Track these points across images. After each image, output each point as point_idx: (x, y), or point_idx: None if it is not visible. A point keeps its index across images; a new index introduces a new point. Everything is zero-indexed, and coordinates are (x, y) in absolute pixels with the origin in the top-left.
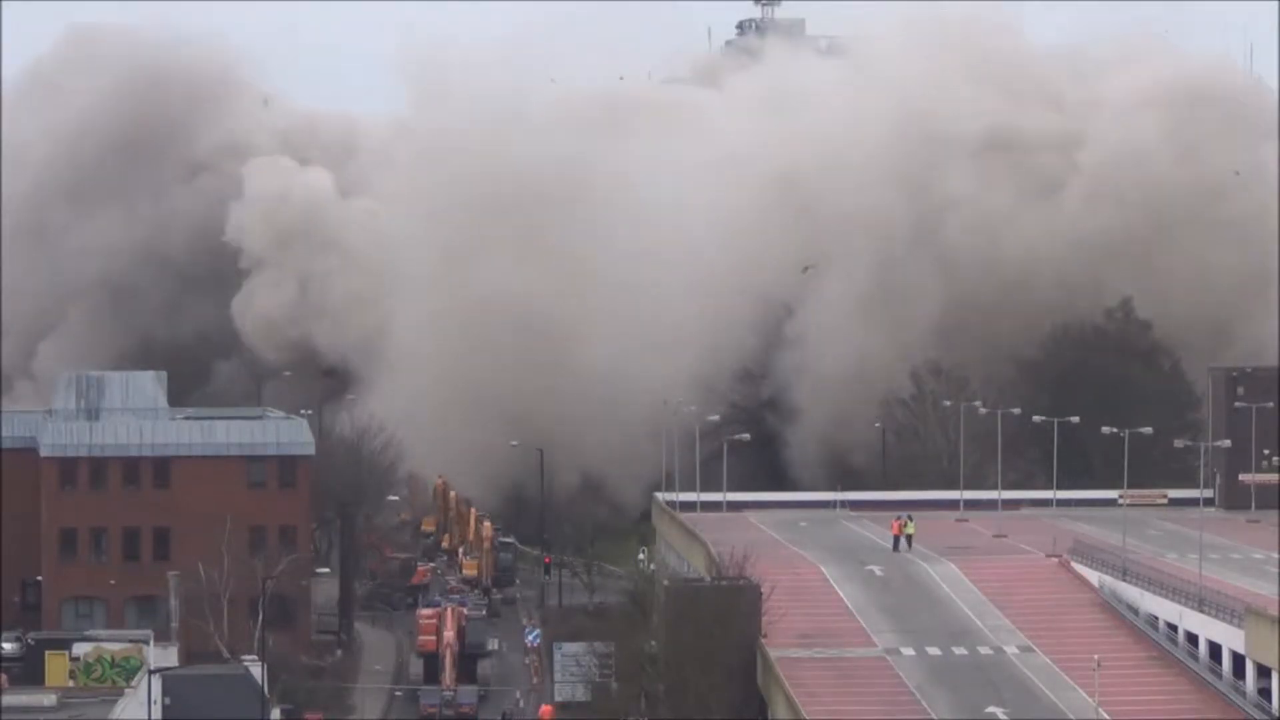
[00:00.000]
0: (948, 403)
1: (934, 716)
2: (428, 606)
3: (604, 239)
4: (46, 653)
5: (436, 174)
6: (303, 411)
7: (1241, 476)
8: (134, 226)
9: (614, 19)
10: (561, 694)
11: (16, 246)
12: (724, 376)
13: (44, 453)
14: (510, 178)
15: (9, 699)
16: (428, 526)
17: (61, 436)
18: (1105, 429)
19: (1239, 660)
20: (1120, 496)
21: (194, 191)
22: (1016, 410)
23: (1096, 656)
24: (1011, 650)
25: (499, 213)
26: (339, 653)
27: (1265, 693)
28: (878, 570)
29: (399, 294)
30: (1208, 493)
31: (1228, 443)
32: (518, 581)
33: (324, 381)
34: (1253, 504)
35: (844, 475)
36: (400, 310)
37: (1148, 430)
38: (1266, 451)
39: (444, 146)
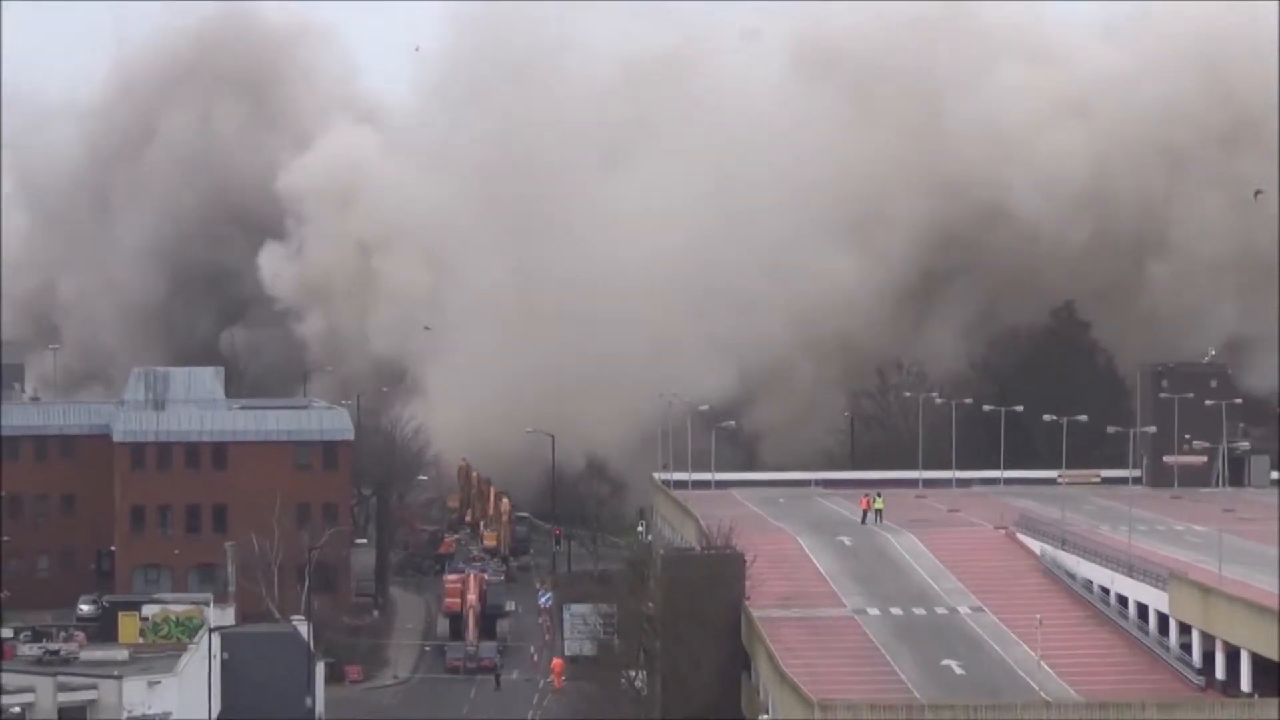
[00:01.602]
0: (908, 394)
1: (896, 668)
2: (453, 573)
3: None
4: (119, 614)
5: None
6: (343, 402)
7: (1165, 458)
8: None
9: None
10: (570, 649)
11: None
12: (717, 372)
13: (116, 439)
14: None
15: (87, 654)
16: (452, 503)
17: (132, 424)
18: (1046, 417)
19: (1164, 619)
20: (1059, 476)
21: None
22: (969, 400)
23: (1039, 616)
24: (964, 610)
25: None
26: (375, 613)
27: (1187, 648)
28: (847, 541)
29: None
30: (1136, 473)
31: (1153, 429)
32: (531, 551)
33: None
34: (1175, 482)
35: (818, 458)
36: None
37: (1083, 418)
38: (1188, 436)
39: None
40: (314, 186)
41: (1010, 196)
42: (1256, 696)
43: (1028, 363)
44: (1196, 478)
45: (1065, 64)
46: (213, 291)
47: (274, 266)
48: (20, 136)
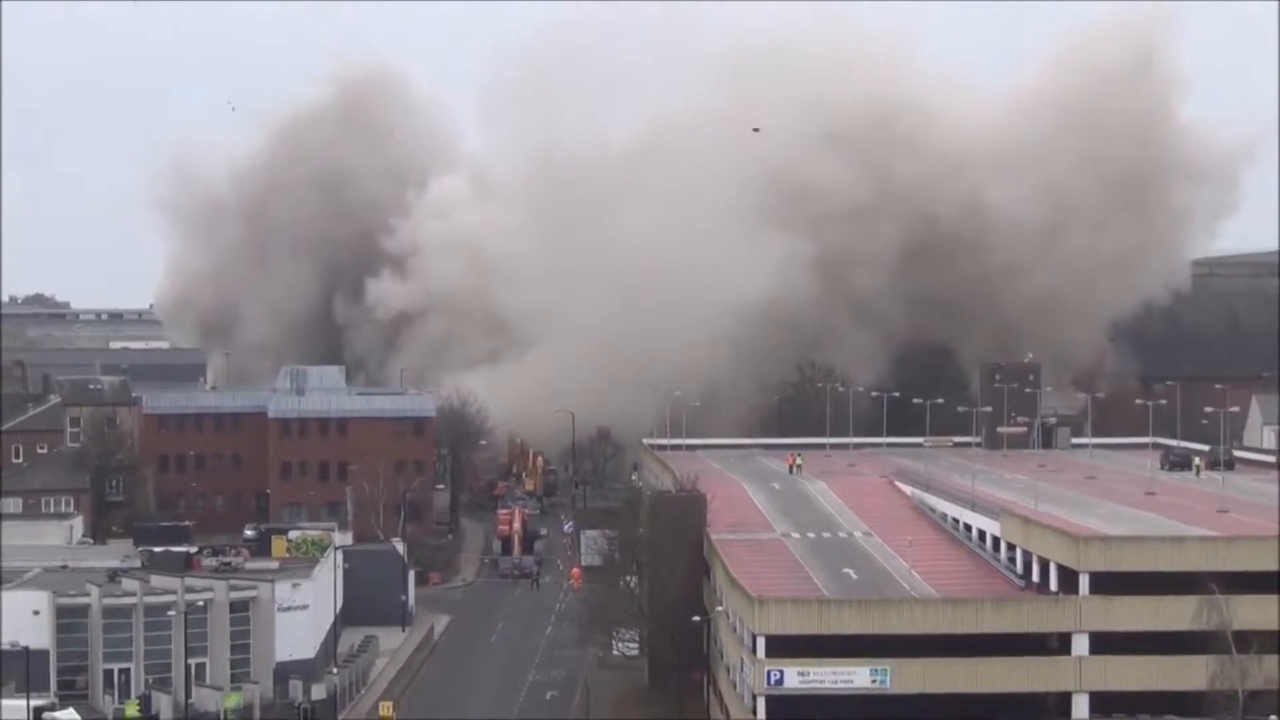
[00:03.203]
0: (820, 385)
1: (810, 574)
2: (503, 508)
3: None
4: (272, 536)
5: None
6: (428, 389)
7: (998, 429)
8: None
9: None
10: (585, 561)
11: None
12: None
13: (270, 415)
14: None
15: (250, 564)
16: (503, 460)
17: (281, 405)
18: (915, 400)
19: (996, 541)
20: (924, 441)
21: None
22: (860, 389)
23: (909, 539)
24: (857, 534)
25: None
26: (449, 537)
27: (1013, 561)
28: (777, 486)
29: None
30: (977, 439)
31: (989, 409)
32: (558, 493)
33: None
34: (1004, 445)
35: (758, 428)
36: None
37: (940, 401)
38: (1013, 414)
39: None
40: (420, 229)
41: (921, 238)
42: (1060, 594)
43: (910, 362)
44: (1019, 442)
45: (969, 124)
46: (344, 302)
47: (379, 290)
48: (190, 181)
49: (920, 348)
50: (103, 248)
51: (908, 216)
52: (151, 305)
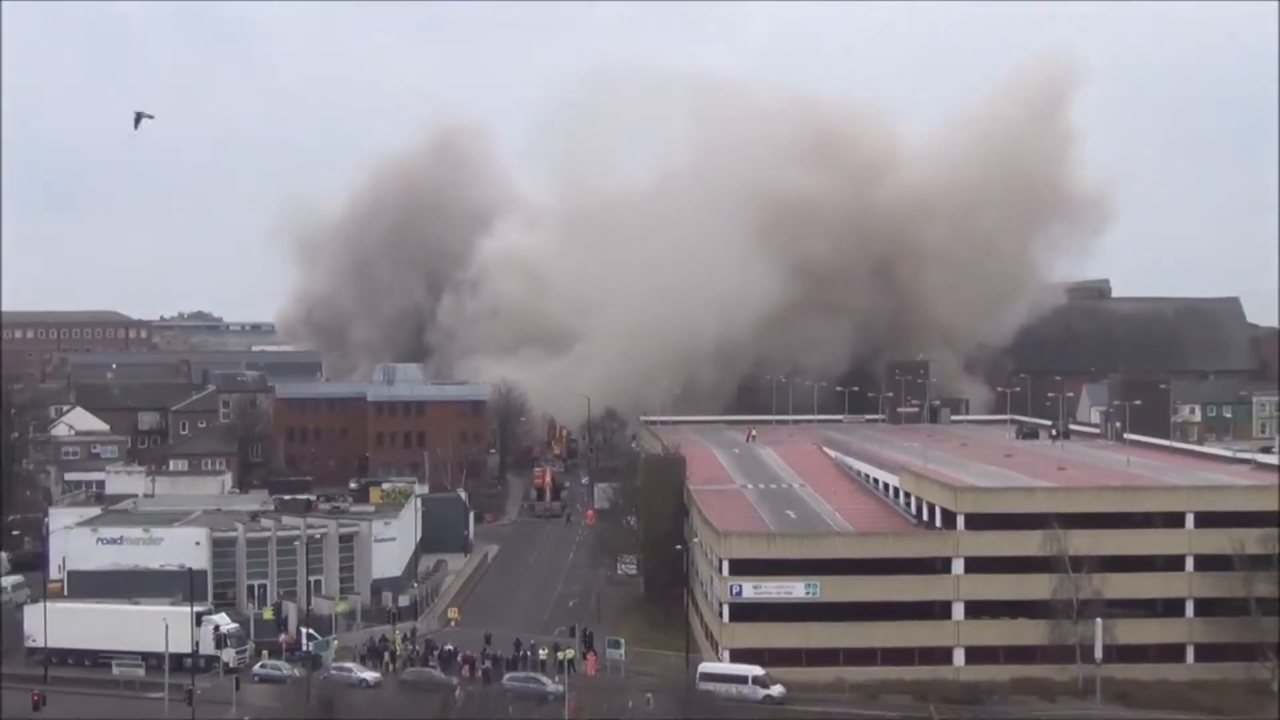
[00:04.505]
0: (768, 377)
1: (761, 515)
2: (538, 467)
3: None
4: (370, 488)
5: None
6: (484, 380)
7: (899, 409)
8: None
9: None
10: (598, 505)
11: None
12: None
13: (369, 399)
14: None
15: (354, 508)
16: (538, 432)
17: (377, 392)
18: (838, 388)
19: (897, 490)
20: (843, 418)
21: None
22: (808, 382)
23: (834, 490)
24: (796, 486)
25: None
26: (499, 488)
27: (909, 505)
28: (737, 450)
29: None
30: (883, 417)
31: (891, 394)
32: (578, 456)
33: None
34: (902, 421)
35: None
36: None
37: (856, 388)
38: (909, 398)
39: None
40: (485, 254)
41: (877, 262)
42: (942, 529)
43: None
44: (913, 419)
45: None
46: (427, 312)
47: (453, 302)
48: (309, 213)
49: (867, 347)
50: (245, 273)
51: (874, 243)
52: (273, 322)
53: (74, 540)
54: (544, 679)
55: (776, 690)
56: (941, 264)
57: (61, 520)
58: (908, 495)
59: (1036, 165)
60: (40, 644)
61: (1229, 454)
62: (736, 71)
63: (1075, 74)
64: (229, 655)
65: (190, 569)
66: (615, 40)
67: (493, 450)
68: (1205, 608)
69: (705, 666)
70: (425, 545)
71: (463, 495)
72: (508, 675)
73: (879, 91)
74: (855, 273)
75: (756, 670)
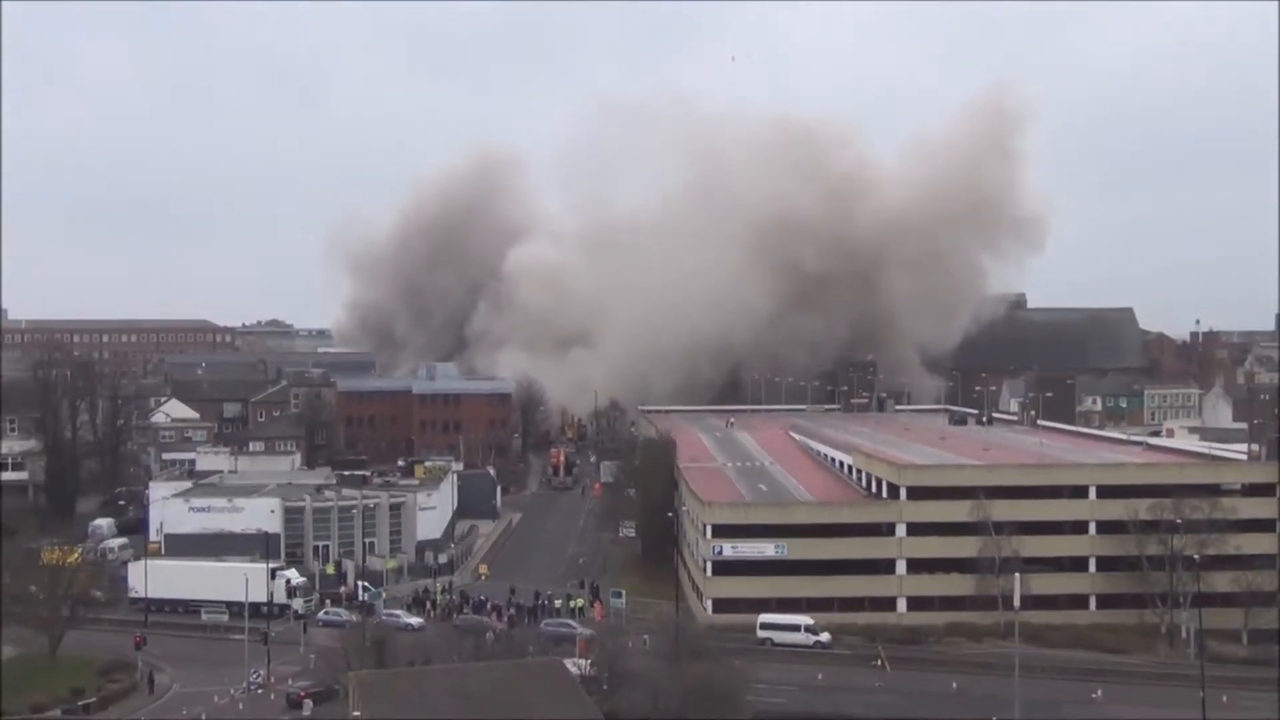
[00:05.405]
0: (756, 376)
1: (739, 488)
2: (554, 448)
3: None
4: (415, 465)
5: None
6: (508, 376)
7: (852, 400)
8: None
9: None
10: (604, 480)
11: (394, 287)
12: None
13: (415, 391)
14: None
15: (402, 482)
16: (554, 418)
17: (421, 386)
18: (801, 383)
19: (851, 468)
20: (806, 408)
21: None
22: (787, 379)
23: (799, 468)
24: (767, 464)
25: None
26: (521, 465)
27: (859, 479)
28: (718, 435)
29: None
30: (838, 406)
31: (846, 388)
32: (587, 439)
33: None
34: (854, 410)
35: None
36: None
37: (817, 383)
38: (861, 391)
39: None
40: (513, 267)
41: (854, 278)
42: (888, 499)
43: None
44: (864, 409)
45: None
46: (464, 318)
47: (488, 309)
48: (367, 227)
49: (846, 347)
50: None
51: (854, 260)
52: (330, 329)
53: (170, 508)
54: (575, 624)
55: (825, 637)
56: (908, 274)
57: (159, 492)
58: (859, 471)
59: (990, 189)
60: (141, 595)
61: (1124, 437)
62: (726, 100)
63: (1028, 105)
64: (298, 604)
65: (266, 532)
66: (623, 76)
67: (516, 434)
68: (1105, 564)
69: (765, 617)
70: (460, 513)
71: (491, 472)
72: (544, 620)
73: (851, 112)
74: (836, 282)
75: (808, 620)
